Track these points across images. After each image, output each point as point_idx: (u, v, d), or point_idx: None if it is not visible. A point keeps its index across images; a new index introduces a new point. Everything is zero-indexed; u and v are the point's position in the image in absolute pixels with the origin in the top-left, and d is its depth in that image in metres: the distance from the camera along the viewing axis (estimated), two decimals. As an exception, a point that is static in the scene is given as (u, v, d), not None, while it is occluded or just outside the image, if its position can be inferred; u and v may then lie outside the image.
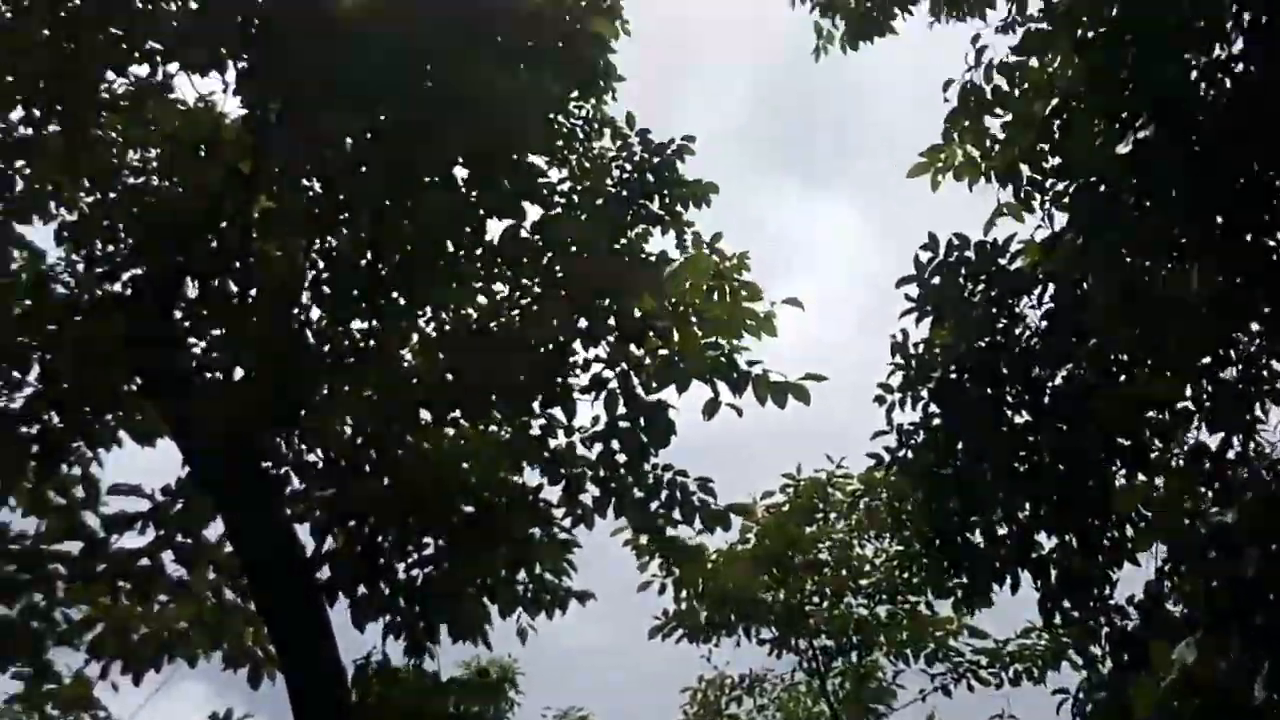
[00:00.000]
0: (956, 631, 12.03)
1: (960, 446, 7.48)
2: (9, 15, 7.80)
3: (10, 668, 8.36)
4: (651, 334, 6.88)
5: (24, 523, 8.46)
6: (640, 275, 6.94)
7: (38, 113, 8.13)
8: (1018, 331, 7.40)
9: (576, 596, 7.78)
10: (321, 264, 7.73)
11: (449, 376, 7.58)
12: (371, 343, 7.69)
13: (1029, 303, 7.43)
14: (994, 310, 7.37)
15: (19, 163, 8.28)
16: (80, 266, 8.31)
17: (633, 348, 6.97)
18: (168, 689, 8.80)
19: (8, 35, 7.71)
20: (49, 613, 8.50)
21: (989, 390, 7.41)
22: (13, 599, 8.39)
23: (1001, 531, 7.61)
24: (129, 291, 8.11)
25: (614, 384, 7.04)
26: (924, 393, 7.49)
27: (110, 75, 8.10)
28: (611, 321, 6.89)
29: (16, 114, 8.20)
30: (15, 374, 7.89)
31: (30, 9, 7.71)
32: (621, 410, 6.98)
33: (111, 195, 8.51)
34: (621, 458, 7.04)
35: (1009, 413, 7.50)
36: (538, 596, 7.81)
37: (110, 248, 8.31)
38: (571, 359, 7.06)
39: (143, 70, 8.34)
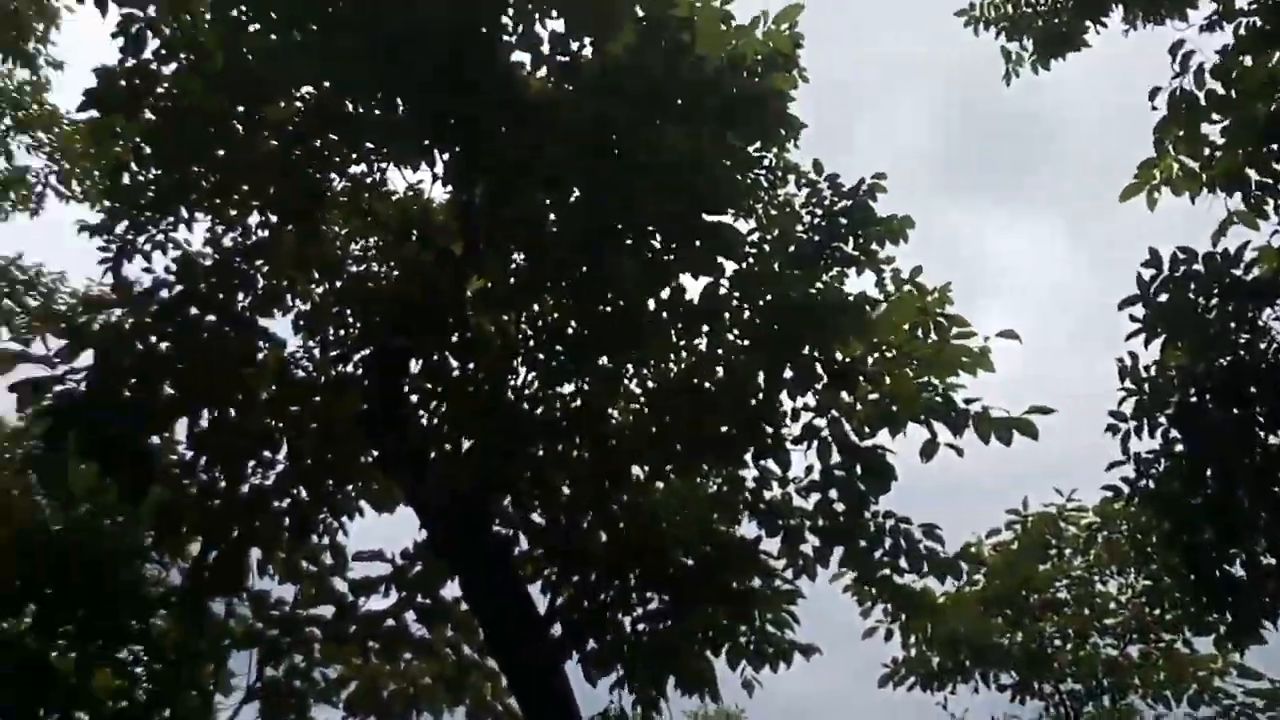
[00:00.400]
0: (1223, 671, 10.97)
1: (1209, 473, 6.89)
2: (241, 131, 8.64)
3: (289, 721, 9.13)
4: (861, 378, 6.75)
5: (281, 590, 9.27)
6: (842, 319, 6.84)
7: (272, 216, 9.00)
8: (1263, 346, 6.79)
9: (800, 650, 7.65)
10: (530, 332, 8.08)
11: (656, 431, 7.72)
12: (580, 404, 7.95)
13: (1272, 314, 6.81)
14: (1233, 324, 6.80)
15: (259, 262, 9.11)
16: (316, 352, 9.04)
17: (843, 394, 6.87)
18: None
19: (242, 151, 8.53)
20: (309, 673, 9.24)
21: (1235, 410, 6.82)
22: (278, 661, 9.18)
23: (1267, 561, 6.95)
24: (360, 372, 8.74)
25: (826, 432, 6.96)
26: (1162, 418, 6.97)
27: (332, 175, 8.84)
28: (819, 369, 6.82)
29: (253, 219, 9.11)
30: (266, 454, 8.64)
31: (261, 124, 8.54)
32: (836, 459, 6.87)
33: (338, 284, 9.24)
34: (840, 506, 6.92)
35: (1261, 433, 6.87)
36: (760, 649, 7.75)
37: (341, 332, 9.01)
38: (781, 409, 7.03)
39: (358, 168, 9.13)
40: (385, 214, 9.34)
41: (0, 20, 9.73)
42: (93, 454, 8.16)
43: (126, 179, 9.06)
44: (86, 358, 7.76)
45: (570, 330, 7.81)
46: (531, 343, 8.00)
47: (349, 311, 9.10)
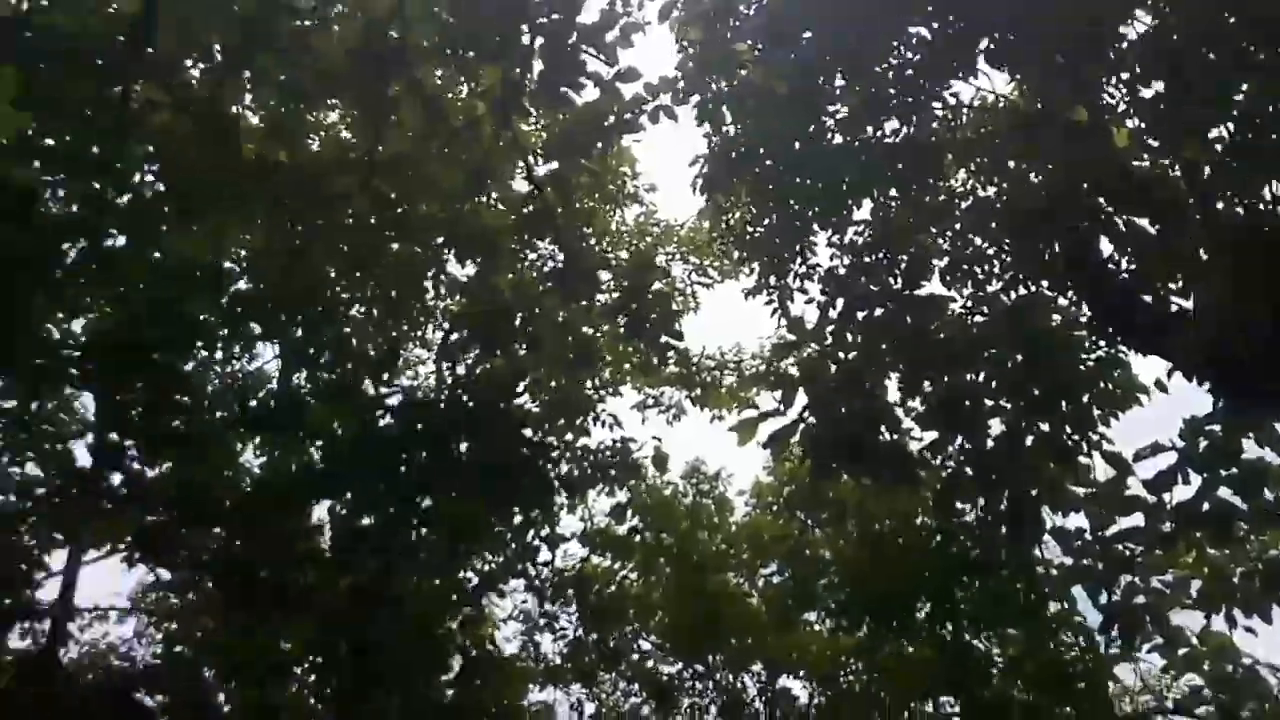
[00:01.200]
0: None
1: None
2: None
3: (1146, 642, 8.79)
4: None
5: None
6: None
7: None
8: None
9: None
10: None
11: None
12: None
13: None
14: None
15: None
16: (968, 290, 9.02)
17: None
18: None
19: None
20: (1146, 587, 8.83)
21: None
22: (1110, 585, 8.92)
23: None
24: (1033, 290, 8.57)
25: None
26: None
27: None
28: None
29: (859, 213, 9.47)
30: (989, 401, 8.69)
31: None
32: None
33: (972, 217, 9.18)
34: None
35: None
36: None
37: (994, 264, 8.93)
38: None
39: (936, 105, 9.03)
40: (975, 132, 9.12)
41: (606, 197, 11.85)
42: (848, 463, 8.93)
43: (747, 237, 10.00)
44: (801, 396, 8.60)
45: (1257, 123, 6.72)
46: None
47: (989, 239, 8.98)
